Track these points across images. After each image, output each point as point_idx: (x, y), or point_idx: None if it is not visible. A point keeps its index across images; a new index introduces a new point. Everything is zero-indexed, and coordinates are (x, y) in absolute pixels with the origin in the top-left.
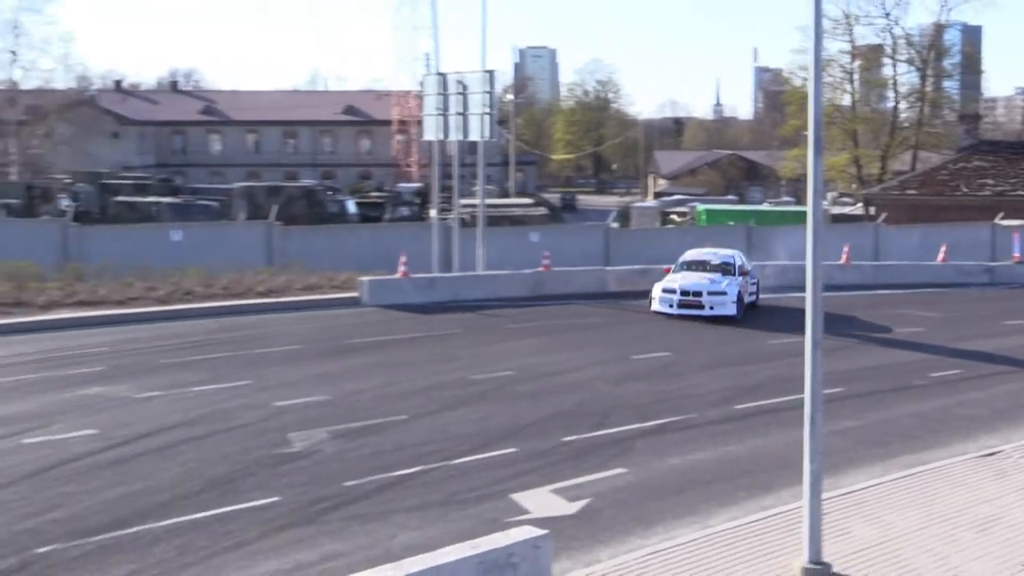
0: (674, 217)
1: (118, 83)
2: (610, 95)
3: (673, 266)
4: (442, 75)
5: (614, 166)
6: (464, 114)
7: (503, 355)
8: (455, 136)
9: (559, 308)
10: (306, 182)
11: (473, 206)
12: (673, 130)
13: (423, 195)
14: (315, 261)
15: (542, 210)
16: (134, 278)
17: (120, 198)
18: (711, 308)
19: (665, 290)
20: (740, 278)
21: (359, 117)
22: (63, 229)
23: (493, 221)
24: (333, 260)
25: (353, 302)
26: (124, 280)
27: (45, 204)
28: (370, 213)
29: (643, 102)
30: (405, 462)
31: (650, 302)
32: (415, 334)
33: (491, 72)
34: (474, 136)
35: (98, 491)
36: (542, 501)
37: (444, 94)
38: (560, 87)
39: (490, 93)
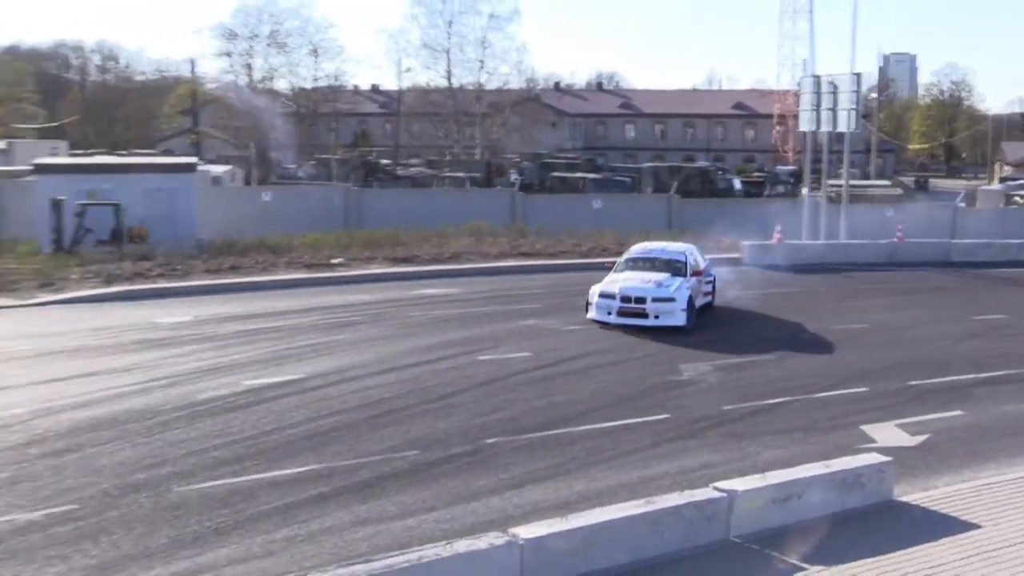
0: (1017, 199)
1: (557, 84)
2: (963, 94)
3: (616, 263)
4: (816, 77)
5: (963, 154)
6: (834, 110)
7: (859, 311)
8: (825, 128)
9: (909, 274)
10: (701, 163)
11: (838, 186)
12: (1021, 124)
13: (796, 176)
14: (706, 227)
15: (897, 191)
16: (563, 236)
17: (555, 174)
18: (656, 317)
19: (603, 295)
20: (692, 279)
21: (745, 111)
22: (512, 196)
23: (855, 199)
24: (720, 226)
25: (735, 262)
26: (556, 237)
27: (499, 177)
28: (752, 190)
29: (993, 99)
30: (773, 393)
31: (586, 308)
32: (786, 289)
33: (858, 75)
34: (841, 128)
35: (531, 400)
36: (887, 433)
37: (818, 93)
38: (918, 87)
39: (856, 92)
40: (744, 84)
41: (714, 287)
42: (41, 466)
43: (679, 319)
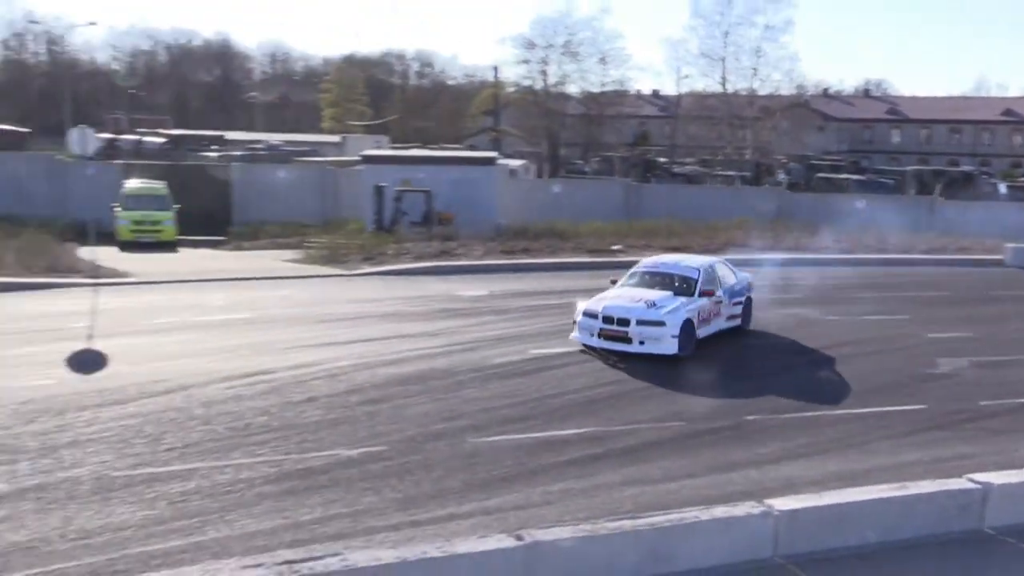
0: None
1: (825, 90)
2: None
3: (622, 277)
4: None
5: None
6: None
7: None
8: None
9: None
10: (965, 167)
11: None
12: None
13: None
14: (969, 228)
15: None
16: (825, 232)
17: (820, 174)
18: (641, 343)
19: (586, 313)
20: (700, 300)
21: (1014, 118)
22: (779, 194)
23: None
24: (984, 228)
25: (997, 263)
26: (814, 232)
27: (767, 177)
28: (1018, 195)
29: None
30: None
31: (573, 326)
32: None
33: None
34: None
35: (790, 382)
36: None
37: None
38: None
39: None
40: (1014, 91)
41: (746, 309)
42: (359, 412)
43: (668, 347)
